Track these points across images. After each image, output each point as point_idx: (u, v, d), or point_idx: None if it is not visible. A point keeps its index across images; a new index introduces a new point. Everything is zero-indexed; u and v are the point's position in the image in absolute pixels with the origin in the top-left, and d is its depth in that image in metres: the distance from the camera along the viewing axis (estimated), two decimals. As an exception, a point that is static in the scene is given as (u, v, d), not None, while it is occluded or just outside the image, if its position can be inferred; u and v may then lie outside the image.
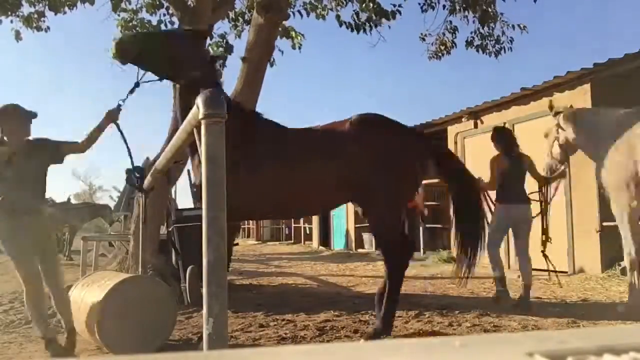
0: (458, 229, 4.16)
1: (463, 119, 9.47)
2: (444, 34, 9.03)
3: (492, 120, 8.96)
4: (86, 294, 3.93)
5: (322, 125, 4.08)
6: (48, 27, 8.37)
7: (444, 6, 8.58)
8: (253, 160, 3.73)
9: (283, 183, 3.77)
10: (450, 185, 4.22)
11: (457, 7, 8.51)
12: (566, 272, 7.27)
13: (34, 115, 3.82)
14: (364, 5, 7.82)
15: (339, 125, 3.93)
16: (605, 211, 6.97)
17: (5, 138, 3.69)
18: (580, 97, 7.35)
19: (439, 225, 11.45)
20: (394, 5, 7.78)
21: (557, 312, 4.74)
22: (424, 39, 9.22)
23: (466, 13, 8.53)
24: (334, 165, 3.73)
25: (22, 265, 3.60)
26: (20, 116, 3.74)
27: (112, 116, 3.85)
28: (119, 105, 3.86)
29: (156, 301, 3.83)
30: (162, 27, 8.32)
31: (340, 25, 8.01)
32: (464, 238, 4.02)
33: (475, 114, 9.34)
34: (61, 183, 66.28)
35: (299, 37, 8.65)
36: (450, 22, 8.89)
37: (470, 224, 4.04)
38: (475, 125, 9.35)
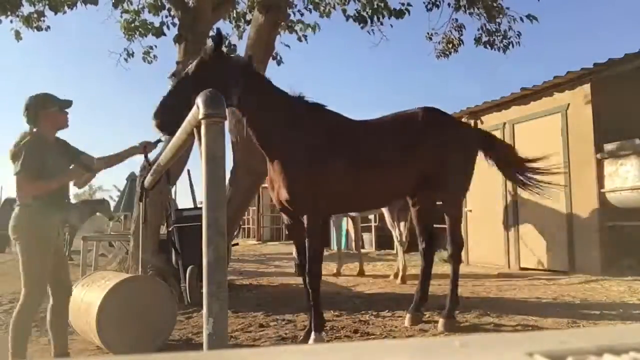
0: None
1: (463, 119, 9.46)
2: (450, 32, 9.00)
3: (492, 120, 8.97)
4: (86, 294, 3.93)
5: (389, 117, 4.31)
6: (48, 27, 8.38)
7: (449, 4, 8.55)
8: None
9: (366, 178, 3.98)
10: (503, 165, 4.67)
11: (462, 4, 8.45)
12: (566, 272, 7.27)
13: (69, 103, 3.55)
14: (371, 1, 7.79)
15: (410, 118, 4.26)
16: (605, 211, 6.99)
17: (40, 129, 3.45)
18: (580, 97, 7.35)
19: (439, 225, 11.45)
20: (403, 4, 7.75)
21: (557, 312, 4.74)
22: (430, 38, 9.17)
23: (471, 10, 8.47)
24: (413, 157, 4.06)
25: (38, 261, 3.27)
26: (57, 104, 3.49)
27: (137, 151, 3.80)
28: (158, 141, 3.81)
29: (156, 301, 3.82)
30: (165, 29, 8.31)
31: (347, 20, 7.99)
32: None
33: (475, 114, 9.34)
34: (61, 183, 66.37)
35: (309, 28, 8.63)
36: (456, 19, 8.86)
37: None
38: (475, 125, 9.35)
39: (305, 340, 3.82)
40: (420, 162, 4.09)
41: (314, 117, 3.89)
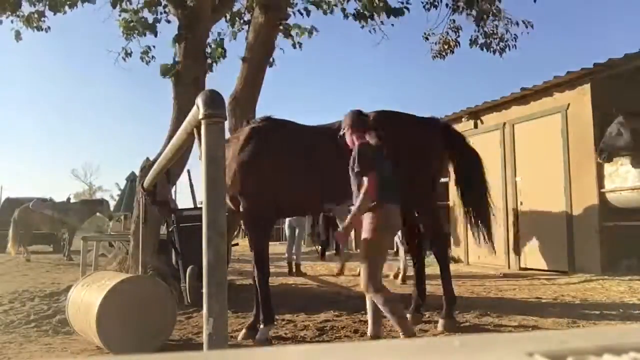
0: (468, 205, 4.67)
1: (463, 119, 9.47)
2: (447, 33, 9.01)
3: (492, 120, 8.97)
4: (86, 294, 3.93)
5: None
6: (49, 27, 8.38)
7: (447, 5, 8.57)
8: None
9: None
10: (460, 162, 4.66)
11: (460, 6, 8.47)
12: (566, 272, 7.27)
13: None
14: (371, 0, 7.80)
15: None
16: (605, 211, 6.99)
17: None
18: (580, 97, 7.35)
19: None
20: (402, 3, 7.76)
21: (557, 312, 4.74)
22: (427, 39, 9.19)
23: (469, 11, 8.49)
24: None
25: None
26: None
27: None
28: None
29: (156, 301, 3.82)
30: (158, 25, 8.27)
31: (347, 18, 7.98)
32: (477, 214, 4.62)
33: (475, 114, 9.34)
34: (61, 183, 66.45)
35: (306, 33, 8.62)
36: (454, 20, 8.87)
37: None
38: (475, 125, 9.35)
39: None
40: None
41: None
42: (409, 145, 4.26)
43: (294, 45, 8.83)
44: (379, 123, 3.92)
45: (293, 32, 8.67)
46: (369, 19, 7.92)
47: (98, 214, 14.27)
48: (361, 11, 7.92)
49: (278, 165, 4.20)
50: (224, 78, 8.63)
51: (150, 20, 7.96)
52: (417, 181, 4.33)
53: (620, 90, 7.19)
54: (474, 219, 4.67)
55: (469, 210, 4.70)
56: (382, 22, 8.02)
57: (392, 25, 8.16)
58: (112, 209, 15.83)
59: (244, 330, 4.21)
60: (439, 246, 4.57)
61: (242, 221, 4.15)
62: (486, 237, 4.61)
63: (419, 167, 4.33)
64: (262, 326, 4.05)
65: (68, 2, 7.52)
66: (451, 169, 4.84)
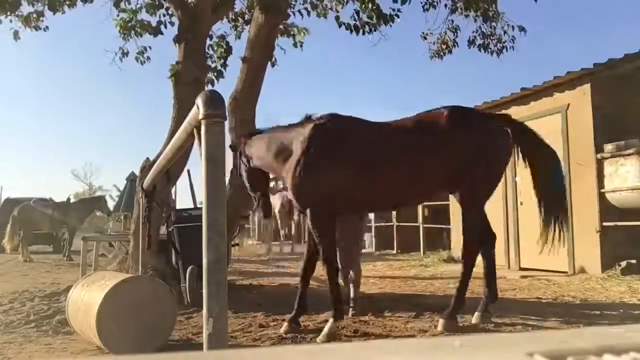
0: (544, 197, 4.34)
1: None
2: (445, 33, 9.02)
3: (492, 120, 8.97)
4: (86, 294, 3.93)
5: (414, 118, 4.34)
6: (47, 27, 8.37)
7: (445, 5, 8.59)
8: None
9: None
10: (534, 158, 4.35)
11: (459, 7, 8.50)
12: (566, 272, 7.27)
13: None
14: (363, 5, 7.81)
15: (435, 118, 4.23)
16: (605, 211, 6.99)
17: None
18: (580, 97, 7.35)
19: (439, 225, 11.45)
20: (393, 10, 7.78)
21: (557, 312, 4.74)
22: (425, 38, 9.21)
23: (467, 12, 8.52)
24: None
25: None
26: None
27: None
28: None
29: (156, 301, 3.82)
30: (162, 28, 8.29)
31: (340, 26, 8.01)
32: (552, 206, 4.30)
33: (475, 114, 9.34)
34: (61, 183, 66.44)
35: (302, 34, 8.63)
36: (452, 21, 8.89)
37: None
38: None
39: None
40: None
41: None
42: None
43: (295, 45, 8.84)
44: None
45: (295, 34, 8.68)
46: (360, 30, 7.92)
47: (97, 211, 14.25)
48: (355, 22, 7.93)
49: (349, 163, 4.14)
50: (224, 79, 8.63)
51: (154, 23, 7.96)
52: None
53: (620, 90, 7.19)
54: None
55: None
56: (374, 29, 8.02)
57: (390, 26, 8.16)
58: (111, 209, 15.82)
59: (285, 324, 4.25)
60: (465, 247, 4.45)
61: (309, 220, 4.12)
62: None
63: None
64: (332, 320, 4.05)
65: (67, 2, 7.52)
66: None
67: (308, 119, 4.32)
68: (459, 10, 8.54)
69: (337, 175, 4.08)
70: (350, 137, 4.22)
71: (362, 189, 4.16)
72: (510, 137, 4.27)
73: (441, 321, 4.19)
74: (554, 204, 4.29)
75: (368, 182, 4.14)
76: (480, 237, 4.35)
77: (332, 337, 3.95)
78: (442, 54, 9.20)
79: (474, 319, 4.29)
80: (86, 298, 3.86)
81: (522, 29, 8.63)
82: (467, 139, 4.09)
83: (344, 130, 4.25)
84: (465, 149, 4.06)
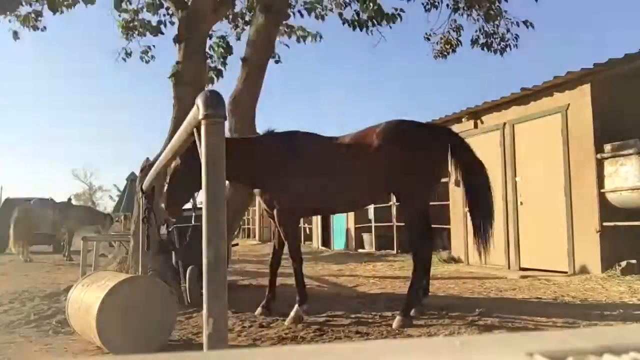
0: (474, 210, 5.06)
1: (463, 119, 9.47)
2: (448, 33, 9.02)
3: (492, 120, 8.97)
4: (86, 294, 3.93)
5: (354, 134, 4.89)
6: (44, 27, 8.40)
7: (447, 5, 8.57)
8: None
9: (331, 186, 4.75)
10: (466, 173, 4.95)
11: (461, 6, 8.49)
12: (566, 272, 7.27)
13: None
14: (364, 5, 7.81)
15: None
16: (605, 211, 6.99)
17: None
18: (580, 97, 7.35)
19: (439, 226, 11.44)
20: (396, 9, 7.77)
21: (557, 312, 4.74)
22: (428, 39, 9.20)
23: (470, 12, 8.51)
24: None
25: None
26: None
27: None
28: None
29: (156, 301, 3.82)
30: (162, 27, 8.30)
31: (343, 24, 8.00)
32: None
33: (475, 114, 9.34)
34: (61, 183, 66.45)
35: (313, 39, 8.69)
36: (455, 20, 8.88)
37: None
38: (475, 126, 9.35)
39: None
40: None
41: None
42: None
43: (297, 40, 8.86)
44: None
45: (297, 33, 8.70)
46: (364, 27, 7.92)
47: (99, 226, 14.24)
48: (357, 19, 7.92)
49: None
50: (224, 78, 8.65)
51: (154, 23, 7.98)
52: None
53: (620, 90, 7.19)
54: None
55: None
56: (375, 30, 8.02)
57: (390, 27, 8.17)
58: (111, 209, 15.82)
59: (259, 309, 4.91)
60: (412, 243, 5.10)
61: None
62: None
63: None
64: (297, 306, 4.65)
65: (66, 2, 7.53)
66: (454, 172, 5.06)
67: (270, 134, 5.00)
68: (462, 9, 8.53)
69: (295, 185, 4.71)
70: (305, 151, 4.84)
71: (314, 195, 4.77)
72: (445, 145, 4.80)
73: (397, 318, 4.34)
74: (483, 217, 5.04)
75: (318, 190, 4.74)
76: (421, 232, 4.89)
77: (297, 320, 4.53)
78: (446, 53, 9.20)
79: (395, 323, 4.35)
80: (86, 298, 3.86)
81: (528, 24, 8.44)
82: (395, 150, 4.54)
83: (302, 146, 4.87)
84: (392, 159, 4.52)
